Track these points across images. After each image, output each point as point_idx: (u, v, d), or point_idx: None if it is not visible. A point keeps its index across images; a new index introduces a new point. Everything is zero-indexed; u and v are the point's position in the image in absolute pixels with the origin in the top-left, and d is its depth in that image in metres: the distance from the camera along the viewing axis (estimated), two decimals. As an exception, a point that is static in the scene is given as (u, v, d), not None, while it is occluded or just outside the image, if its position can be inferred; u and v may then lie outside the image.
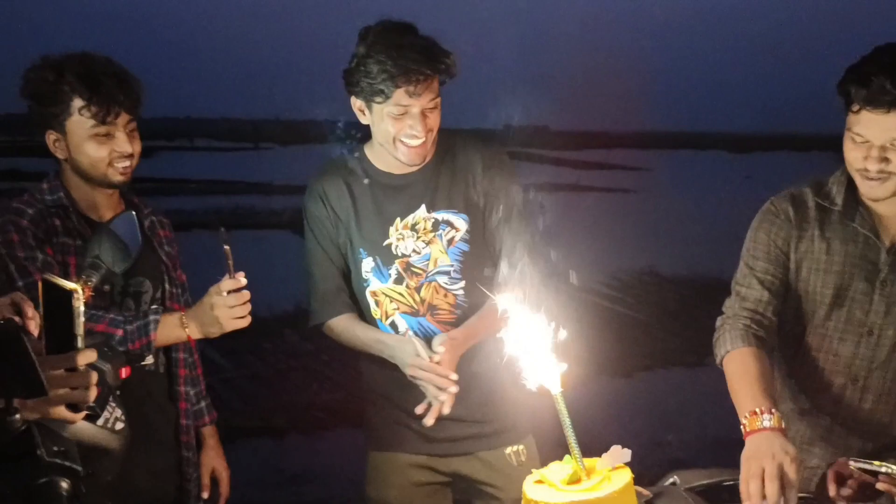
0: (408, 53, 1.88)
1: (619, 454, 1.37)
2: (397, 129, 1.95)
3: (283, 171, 27.03)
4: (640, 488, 1.38)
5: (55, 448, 1.07)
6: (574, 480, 1.34)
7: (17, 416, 1.05)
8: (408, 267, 2.05)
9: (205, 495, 2.14)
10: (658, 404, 5.81)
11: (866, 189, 1.77)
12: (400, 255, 2.05)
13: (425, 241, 2.05)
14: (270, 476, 4.75)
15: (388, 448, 2.14)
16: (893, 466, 1.43)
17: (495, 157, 2.10)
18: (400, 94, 1.90)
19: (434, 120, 1.97)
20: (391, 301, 2.06)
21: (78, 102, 1.83)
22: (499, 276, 1.96)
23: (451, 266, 2.05)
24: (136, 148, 1.92)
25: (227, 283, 1.73)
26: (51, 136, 1.89)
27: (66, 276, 1.41)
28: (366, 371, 2.18)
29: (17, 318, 1.14)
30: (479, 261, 2.07)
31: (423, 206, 2.05)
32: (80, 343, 1.16)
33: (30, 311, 1.17)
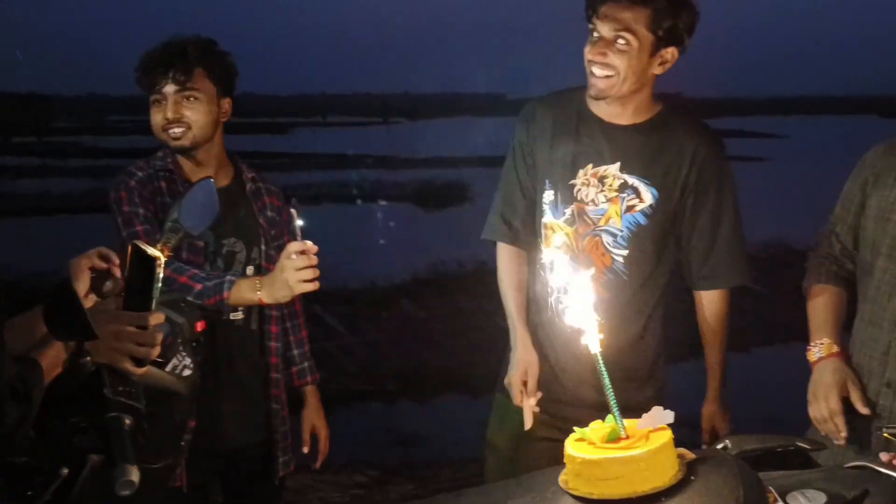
0: None
1: (661, 415, 1.37)
2: (586, 55, 1.97)
3: (408, 145, 27.61)
4: (684, 450, 1.38)
5: (120, 388, 1.21)
6: (613, 439, 1.36)
7: (88, 358, 1.19)
8: (582, 212, 2.06)
9: (305, 450, 2.28)
10: (775, 380, 5.62)
11: None
12: (579, 199, 2.06)
13: (607, 196, 2.04)
14: (380, 437, 4.95)
15: (505, 392, 2.12)
16: None
17: (714, 147, 2.06)
18: (597, 11, 1.93)
19: (620, 60, 1.92)
20: (555, 235, 2.09)
21: (139, 76, 2.09)
22: (693, 266, 2.10)
23: (621, 231, 2.05)
24: (191, 115, 2.07)
25: (293, 246, 1.83)
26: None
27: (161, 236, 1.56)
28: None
29: (101, 265, 1.30)
30: (657, 237, 2.06)
31: (619, 164, 2.04)
32: (153, 306, 1.29)
33: (114, 258, 1.34)
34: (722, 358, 2.15)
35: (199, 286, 1.89)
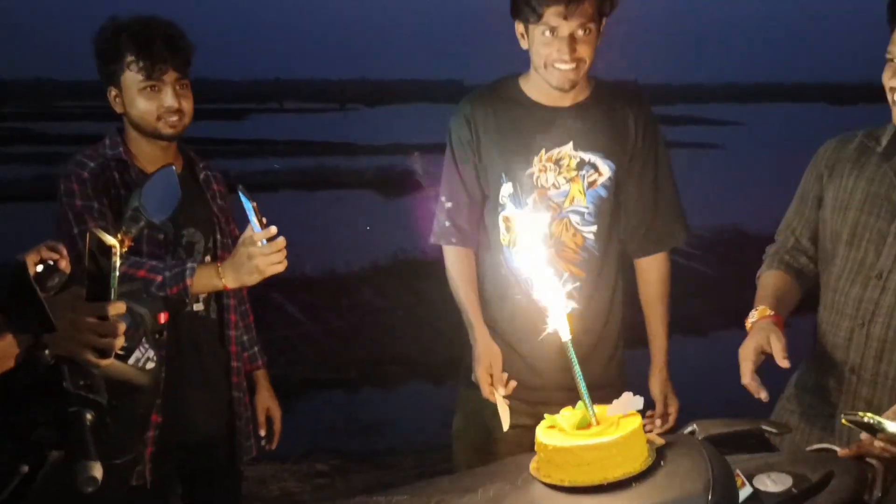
0: None
1: (630, 401, 1.38)
2: (546, 54, 1.98)
3: (367, 132, 27.42)
4: (653, 436, 1.39)
5: (81, 381, 1.17)
6: (583, 426, 1.37)
7: (46, 351, 1.15)
8: (544, 198, 2.07)
9: (262, 432, 2.27)
10: (733, 363, 5.72)
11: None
12: (540, 185, 2.07)
13: (567, 177, 2.07)
14: (343, 425, 4.93)
15: (471, 386, 2.16)
16: (880, 419, 1.35)
17: (650, 114, 2.13)
18: (550, 14, 1.93)
19: (585, 49, 1.97)
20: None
21: (129, 58, 1.97)
22: (643, 233, 2.14)
23: (587, 208, 2.08)
24: (186, 105, 2.03)
25: (259, 235, 1.80)
26: (111, 92, 2.04)
27: (122, 226, 1.51)
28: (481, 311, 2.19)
29: (49, 259, 1.25)
30: (615, 209, 2.11)
31: (571, 143, 2.06)
32: (113, 295, 1.25)
33: (63, 251, 1.28)
34: (667, 326, 2.19)
35: (159, 277, 1.85)
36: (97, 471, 1.07)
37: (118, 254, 1.23)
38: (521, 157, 2.06)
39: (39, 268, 1.27)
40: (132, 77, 1.98)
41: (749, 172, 17.14)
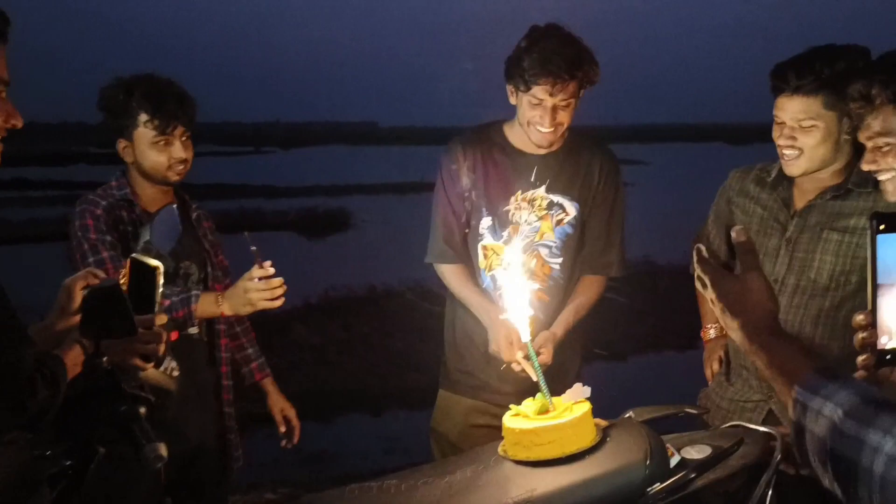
0: (556, 59, 2.22)
1: (580, 391, 1.67)
2: (530, 116, 2.29)
3: (285, 174, 27.46)
4: (598, 420, 1.68)
5: (133, 383, 1.38)
6: (543, 412, 1.64)
7: (104, 359, 1.36)
8: (518, 233, 2.39)
9: (282, 430, 2.55)
10: (651, 383, 6.11)
11: (785, 167, 2.10)
12: (514, 221, 2.39)
13: (538, 215, 2.39)
14: (288, 457, 5.04)
15: (456, 390, 2.50)
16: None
17: (613, 162, 2.46)
18: (538, 89, 2.25)
19: (564, 116, 2.29)
20: (497, 257, 2.39)
21: (143, 117, 2.21)
22: (591, 260, 2.45)
23: (554, 242, 2.41)
24: (190, 154, 2.29)
25: (256, 272, 2.05)
26: (121, 144, 2.27)
27: (126, 258, 1.72)
28: (457, 320, 2.50)
29: (95, 281, 1.47)
30: (577, 244, 2.44)
31: (544, 187, 2.39)
32: (156, 308, 1.48)
33: (101, 276, 1.51)
34: (574, 320, 2.43)
35: (167, 301, 2.06)
36: (163, 450, 1.29)
37: (161, 273, 1.46)
38: (500, 196, 2.38)
39: (110, 282, 1.48)
40: (145, 133, 2.21)
41: (658, 208, 17.97)
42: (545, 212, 2.40)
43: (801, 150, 2.04)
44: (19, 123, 1.33)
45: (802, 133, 2.03)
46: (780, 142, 2.07)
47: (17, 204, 18.61)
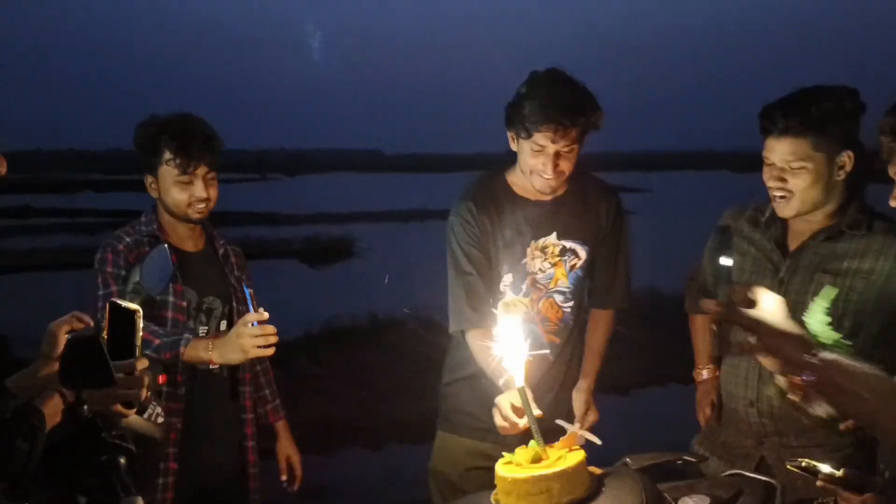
0: (557, 105, 2.19)
1: (575, 437, 1.64)
2: (533, 164, 2.26)
3: (289, 201, 27.48)
4: (592, 468, 1.64)
5: (114, 433, 1.35)
6: (536, 460, 1.61)
7: (85, 407, 1.34)
8: (534, 283, 2.37)
9: (283, 478, 2.58)
10: (654, 418, 6.03)
11: (776, 208, 2.09)
12: (530, 271, 2.37)
13: (552, 262, 2.37)
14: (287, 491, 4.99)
15: (456, 432, 2.48)
16: (815, 463, 1.61)
17: (618, 202, 2.46)
18: (540, 136, 2.22)
19: (566, 164, 2.26)
20: (515, 308, 2.36)
21: (167, 155, 2.26)
22: (600, 298, 2.47)
23: (568, 288, 2.39)
24: (213, 193, 2.32)
25: (250, 316, 2.03)
26: (148, 179, 2.33)
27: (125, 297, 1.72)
28: (458, 362, 2.46)
29: (80, 325, 1.45)
30: (586, 286, 2.44)
31: (555, 234, 2.37)
32: (137, 353, 1.45)
33: (87, 320, 1.49)
34: (600, 361, 2.49)
35: (157, 341, 2.05)
36: (140, 503, 1.26)
37: (141, 317, 1.44)
38: (517, 250, 2.35)
39: (89, 331, 1.46)
40: (168, 170, 2.25)
41: (661, 237, 17.94)
42: (558, 258, 2.38)
43: (791, 192, 2.03)
44: (3, 170, 1.31)
45: (792, 175, 2.02)
46: (770, 183, 2.06)
47: (19, 233, 18.63)
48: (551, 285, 2.38)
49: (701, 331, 2.44)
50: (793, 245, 2.12)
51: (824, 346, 1.20)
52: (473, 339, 2.33)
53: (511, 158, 2.38)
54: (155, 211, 2.34)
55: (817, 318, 1.94)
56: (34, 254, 15.07)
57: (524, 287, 2.37)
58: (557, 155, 2.23)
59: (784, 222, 2.14)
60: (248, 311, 2.14)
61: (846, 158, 2.00)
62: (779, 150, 2.02)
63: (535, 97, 2.20)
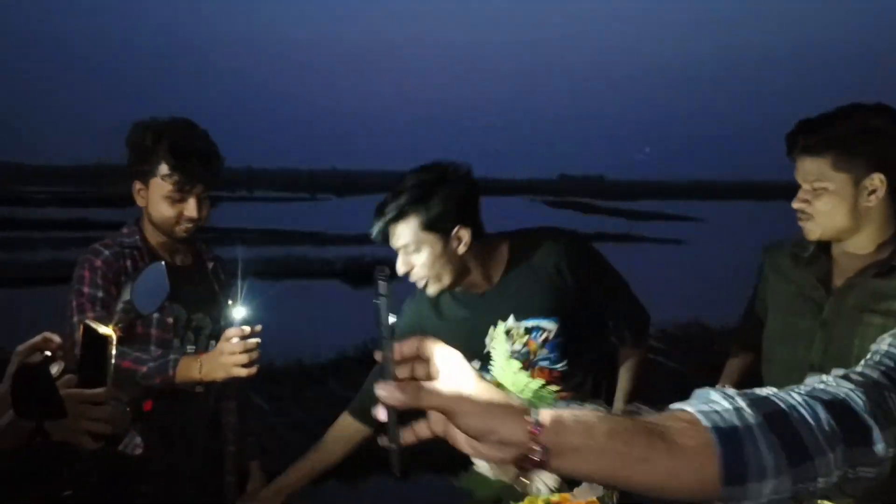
0: (382, 207, 2.06)
1: (591, 489, 1.48)
2: (398, 264, 2.06)
3: (337, 221, 27.70)
4: (612, 523, 1.48)
5: (76, 465, 1.24)
6: (552, 512, 1.45)
7: (37, 440, 1.22)
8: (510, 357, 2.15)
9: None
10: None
11: (804, 231, 1.94)
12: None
13: (521, 343, 2.14)
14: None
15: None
16: None
17: (572, 251, 2.15)
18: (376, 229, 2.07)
19: (422, 266, 2.04)
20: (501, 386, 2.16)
21: (163, 169, 2.08)
22: (619, 334, 2.25)
23: (551, 356, 2.16)
24: (204, 212, 2.16)
25: (232, 331, 1.90)
26: (136, 185, 2.15)
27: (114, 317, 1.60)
28: None
29: (48, 350, 1.34)
30: (576, 343, 2.16)
31: (512, 317, 2.13)
32: (108, 382, 1.33)
33: (57, 342, 1.37)
34: (630, 399, 2.23)
35: (143, 368, 1.92)
36: None
37: (113, 343, 1.32)
38: (475, 343, 2.11)
39: (38, 357, 1.35)
40: (161, 184, 2.09)
41: (710, 268, 17.57)
42: (526, 337, 2.15)
43: (811, 214, 1.90)
44: None
45: (815, 196, 1.89)
46: (793, 205, 1.93)
47: (39, 245, 18.77)
48: (532, 357, 2.16)
49: (734, 362, 2.31)
50: (838, 282, 1.93)
51: (534, 404, 0.87)
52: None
53: None
54: (139, 222, 2.18)
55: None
56: (51, 266, 15.15)
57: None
58: (405, 253, 2.06)
59: (828, 258, 1.95)
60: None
61: (877, 181, 1.82)
62: (801, 170, 1.90)
63: None
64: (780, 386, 1.92)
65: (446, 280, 2.09)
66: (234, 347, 1.88)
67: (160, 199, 2.10)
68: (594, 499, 1.47)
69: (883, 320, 1.81)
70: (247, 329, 1.89)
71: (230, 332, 1.89)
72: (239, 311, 1.88)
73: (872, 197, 1.84)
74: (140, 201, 2.15)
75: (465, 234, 2.04)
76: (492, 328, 2.15)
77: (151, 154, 2.09)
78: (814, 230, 1.91)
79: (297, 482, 2.20)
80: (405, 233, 2.03)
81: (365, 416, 2.18)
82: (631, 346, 2.29)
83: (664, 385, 7.51)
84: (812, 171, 1.87)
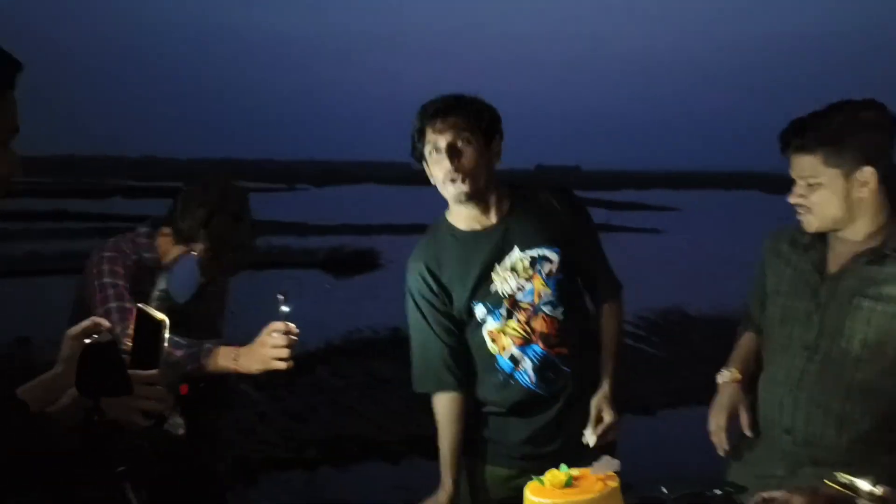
0: (436, 100, 2.20)
1: (609, 463, 1.55)
2: (437, 171, 2.19)
3: (316, 212, 27.61)
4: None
5: (129, 443, 1.30)
6: (568, 485, 1.53)
7: (96, 418, 1.28)
8: (515, 304, 2.25)
9: None
10: (680, 441, 5.90)
11: (802, 224, 2.05)
12: (506, 295, 2.24)
13: (526, 277, 2.24)
14: (304, 504, 4.92)
15: (478, 456, 2.36)
16: (851, 478, 1.54)
17: (572, 197, 2.36)
18: (429, 132, 2.18)
19: (468, 160, 2.16)
20: (506, 336, 2.25)
21: (199, 243, 2.11)
22: (594, 294, 2.38)
23: (553, 295, 2.26)
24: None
25: (275, 325, 1.94)
26: (165, 230, 2.19)
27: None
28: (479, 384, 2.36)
29: (96, 334, 1.40)
30: (571, 287, 2.31)
31: (517, 248, 2.25)
32: (160, 364, 1.40)
33: (105, 325, 1.44)
34: (617, 360, 2.33)
35: (179, 352, 1.96)
36: None
37: (167, 328, 1.38)
38: (481, 281, 2.23)
39: (100, 338, 1.41)
40: (196, 246, 2.12)
41: (688, 256, 17.79)
42: (531, 271, 2.26)
43: (809, 208, 2.02)
44: (20, 173, 1.27)
45: (810, 191, 2.00)
46: (790, 200, 2.05)
47: (57, 236, 18.72)
48: (536, 300, 2.26)
49: (743, 345, 2.29)
50: (832, 268, 2.05)
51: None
52: (444, 404, 2.31)
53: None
54: (154, 236, 2.17)
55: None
56: (67, 257, 15.14)
57: (503, 311, 2.25)
58: (453, 150, 2.16)
59: (824, 244, 2.07)
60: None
61: (868, 174, 1.94)
62: (796, 167, 2.01)
63: (422, 108, 2.22)
64: (778, 364, 2.02)
65: (481, 183, 2.22)
66: (277, 340, 1.91)
67: (177, 250, 2.13)
68: (612, 472, 1.55)
69: (872, 304, 1.94)
70: (292, 326, 1.93)
71: (275, 325, 1.92)
72: (286, 306, 1.92)
73: (865, 189, 1.95)
74: (162, 245, 2.17)
75: (497, 146, 2.20)
76: (496, 264, 2.25)
77: (195, 226, 2.12)
78: (812, 222, 2.03)
79: (456, 466, 2.31)
80: (805, 166, 2.04)
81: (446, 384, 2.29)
82: (609, 297, 2.39)
83: (645, 371, 7.67)
84: (805, 167, 1.98)
